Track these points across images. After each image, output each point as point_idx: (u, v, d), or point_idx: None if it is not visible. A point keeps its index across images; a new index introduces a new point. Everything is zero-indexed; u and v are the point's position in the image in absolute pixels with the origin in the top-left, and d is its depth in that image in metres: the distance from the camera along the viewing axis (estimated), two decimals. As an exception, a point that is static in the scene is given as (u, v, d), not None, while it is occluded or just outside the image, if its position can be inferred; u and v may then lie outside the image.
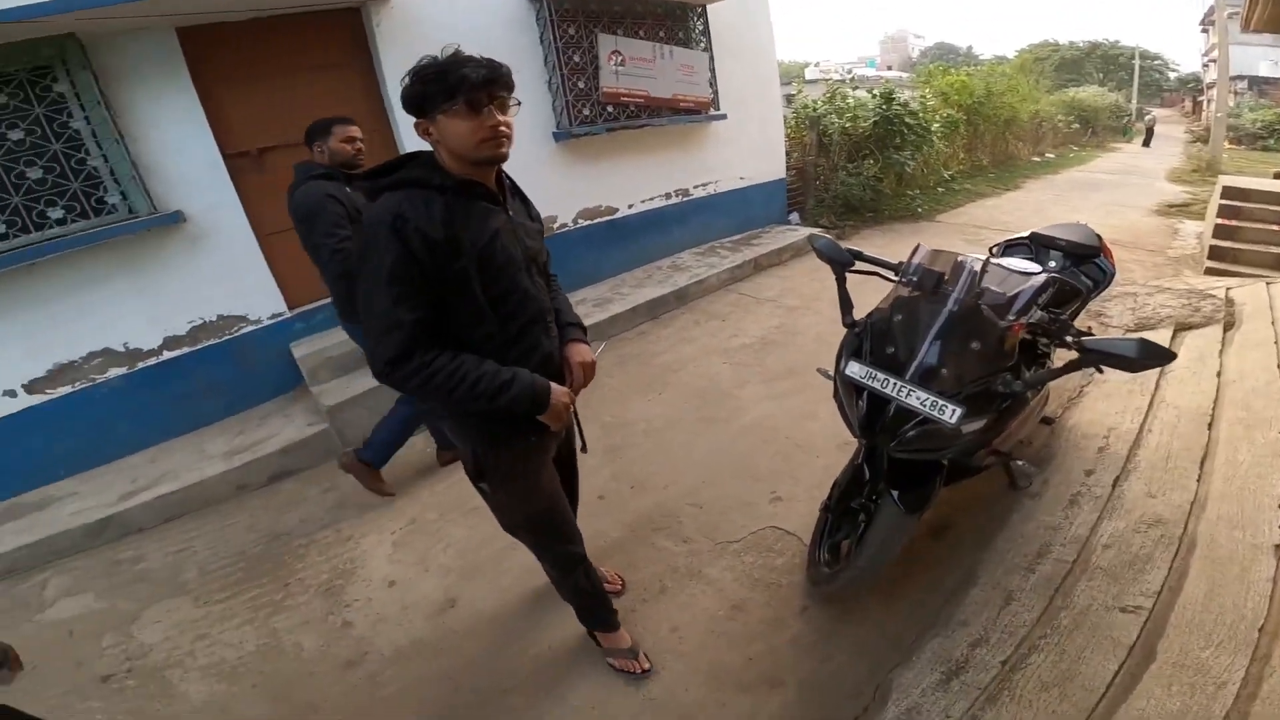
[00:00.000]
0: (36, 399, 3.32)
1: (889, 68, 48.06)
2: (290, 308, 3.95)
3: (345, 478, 3.14)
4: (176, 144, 3.42)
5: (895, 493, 1.70)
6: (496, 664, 2.05)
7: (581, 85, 4.80)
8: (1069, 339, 1.58)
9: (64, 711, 2.07)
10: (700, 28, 5.46)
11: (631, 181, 5.47)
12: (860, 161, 7.86)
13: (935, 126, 9.14)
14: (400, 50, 3.98)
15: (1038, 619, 1.89)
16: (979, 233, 7.06)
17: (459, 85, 1.24)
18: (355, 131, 2.64)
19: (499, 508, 1.67)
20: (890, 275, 1.93)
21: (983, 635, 1.86)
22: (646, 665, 1.93)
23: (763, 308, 4.91)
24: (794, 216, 7.19)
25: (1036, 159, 14.22)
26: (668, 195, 5.80)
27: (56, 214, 3.16)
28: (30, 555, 2.95)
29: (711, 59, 5.54)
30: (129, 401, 3.52)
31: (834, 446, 2.88)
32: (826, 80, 11.43)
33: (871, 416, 1.68)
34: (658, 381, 3.93)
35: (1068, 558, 2.09)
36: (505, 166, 1.44)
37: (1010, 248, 2.82)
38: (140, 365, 3.54)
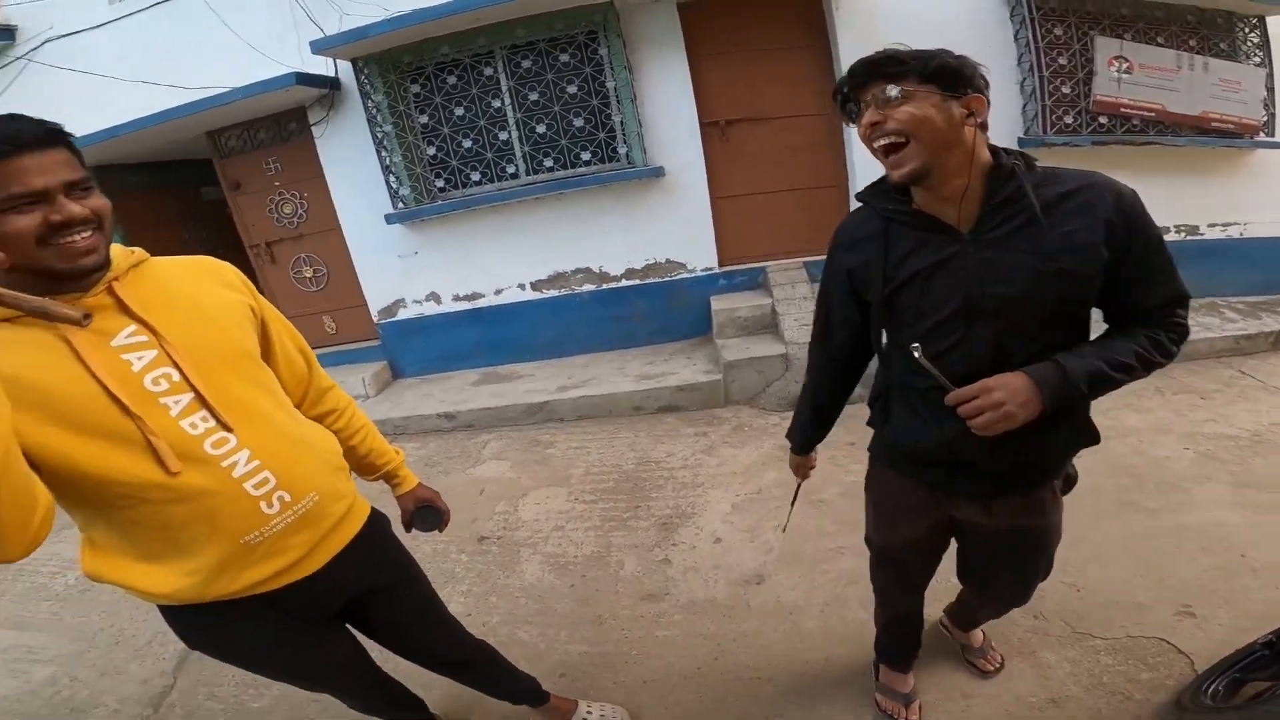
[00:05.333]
0: (535, 295, 4.47)
1: None
2: (719, 265, 4.33)
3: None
4: (669, 107, 4.02)
5: None
6: (769, 651, 1.97)
7: (1066, 90, 3.99)
8: None
9: (439, 558, 2.59)
10: (1255, 40, 4.23)
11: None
12: None
13: None
14: (856, 37, 3.86)
15: None
16: None
17: (842, 99, 1.04)
18: None
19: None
20: None
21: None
22: (915, 719, 1.65)
23: (1272, 397, 3.23)
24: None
25: None
26: (1165, 229, 4.20)
27: (585, 157, 4.09)
28: (488, 417, 3.94)
29: (1271, 75, 4.17)
30: (588, 313, 4.43)
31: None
32: None
33: None
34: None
35: None
36: None
37: None
38: (604, 286, 4.40)
